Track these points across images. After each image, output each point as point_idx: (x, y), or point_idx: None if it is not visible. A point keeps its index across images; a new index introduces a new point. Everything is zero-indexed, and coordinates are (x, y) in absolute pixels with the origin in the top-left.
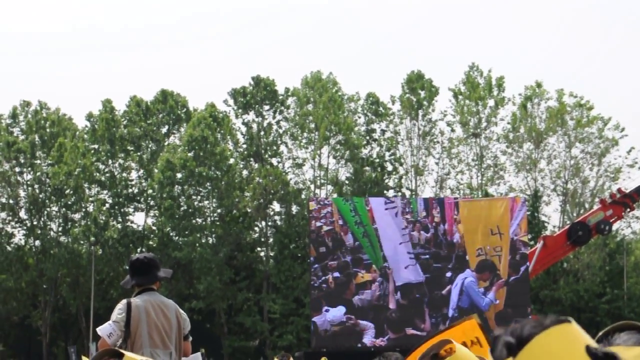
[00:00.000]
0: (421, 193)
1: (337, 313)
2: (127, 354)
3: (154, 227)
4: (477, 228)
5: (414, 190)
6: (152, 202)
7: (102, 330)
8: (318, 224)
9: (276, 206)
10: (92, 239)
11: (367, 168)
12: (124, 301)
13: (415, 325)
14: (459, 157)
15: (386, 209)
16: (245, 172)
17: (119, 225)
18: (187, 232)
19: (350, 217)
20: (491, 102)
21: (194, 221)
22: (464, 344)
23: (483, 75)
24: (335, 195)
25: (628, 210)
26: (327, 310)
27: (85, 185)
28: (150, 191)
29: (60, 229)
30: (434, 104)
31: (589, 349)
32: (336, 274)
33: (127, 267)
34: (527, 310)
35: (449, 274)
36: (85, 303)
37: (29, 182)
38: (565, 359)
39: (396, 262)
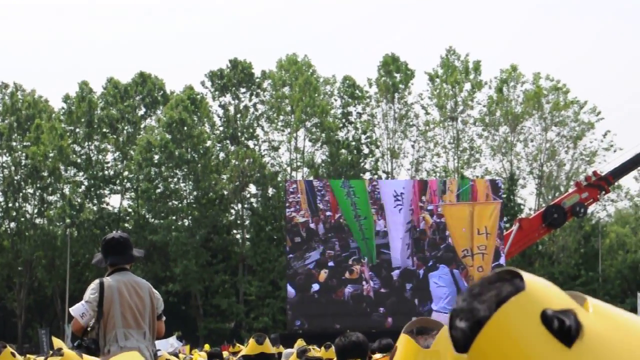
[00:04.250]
0: (397, 176)
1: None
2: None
3: (129, 210)
4: (465, 230)
5: (389, 173)
6: (128, 185)
7: (75, 310)
8: (292, 214)
9: (252, 189)
10: (68, 220)
11: (343, 151)
12: (97, 281)
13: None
14: (435, 140)
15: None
16: (221, 155)
17: (95, 208)
18: (163, 215)
19: (350, 209)
20: (467, 86)
21: (170, 203)
22: None
23: (460, 58)
24: (311, 178)
25: (603, 192)
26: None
27: (62, 167)
28: (126, 173)
29: (36, 210)
30: (410, 87)
31: (545, 315)
32: (331, 264)
33: (101, 246)
34: None
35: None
36: (61, 285)
37: (4, 164)
38: (523, 337)
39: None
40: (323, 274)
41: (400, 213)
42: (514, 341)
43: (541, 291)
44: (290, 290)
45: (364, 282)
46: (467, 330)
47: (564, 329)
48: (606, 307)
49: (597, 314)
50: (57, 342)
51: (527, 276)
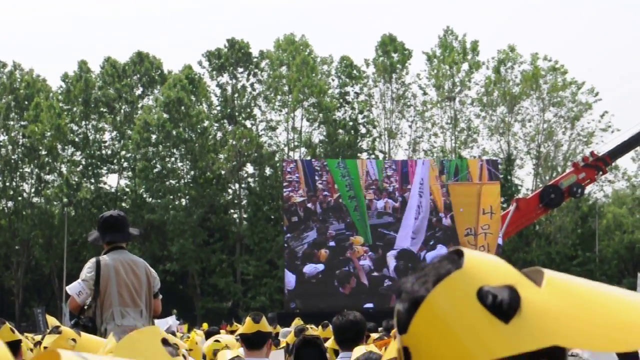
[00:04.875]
0: (394, 156)
1: (312, 269)
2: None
3: (127, 189)
4: (469, 209)
5: (387, 153)
6: (125, 164)
7: (72, 288)
8: (290, 194)
9: (250, 168)
10: (65, 200)
11: (340, 131)
12: (93, 259)
13: None
14: (432, 120)
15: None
16: (219, 135)
17: (92, 187)
18: (160, 194)
19: (345, 190)
20: (465, 66)
21: (167, 183)
22: None
23: (458, 39)
24: (309, 158)
25: (601, 173)
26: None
27: (59, 146)
28: (123, 152)
29: (33, 189)
30: (407, 67)
31: (480, 292)
32: (332, 243)
33: (98, 224)
34: None
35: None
36: (58, 264)
37: (2, 143)
38: (458, 315)
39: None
40: (324, 253)
41: (420, 193)
42: (449, 320)
43: (481, 269)
44: (288, 270)
45: (361, 262)
46: (404, 312)
47: (497, 304)
48: (566, 282)
49: (550, 289)
50: (52, 321)
51: (469, 254)
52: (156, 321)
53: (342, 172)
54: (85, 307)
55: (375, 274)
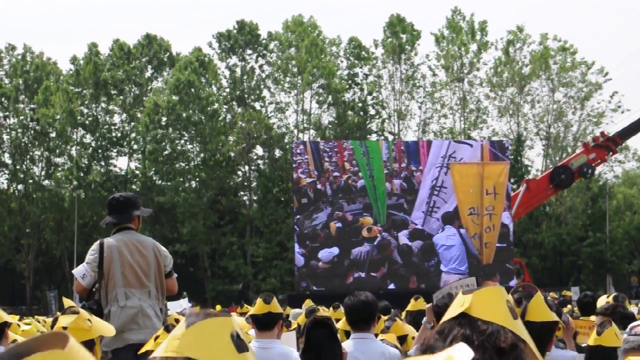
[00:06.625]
0: (404, 137)
1: (327, 255)
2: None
3: (137, 171)
4: (472, 190)
5: (396, 135)
6: (135, 146)
7: (77, 272)
8: (299, 175)
9: (259, 150)
10: (75, 182)
11: (349, 112)
12: (98, 242)
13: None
14: (442, 101)
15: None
16: (228, 117)
17: (102, 169)
18: (170, 176)
19: (365, 169)
20: (474, 47)
21: (177, 165)
22: None
23: (466, 19)
24: (318, 139)
25: (611, 153)
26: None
27: (69, 129)
28: (133, 135)
29: (43, 172)
30: (416, 47)
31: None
32: (339, 224)
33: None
34: (510, 253)
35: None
36: (69, 247)
37: (12, 126)
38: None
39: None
40: (333, 225)
41: (431, 174)
42: None
43: None
44: (298, 250)
45: (376, 242)
46: None
47: None
48: None
49: None
50: (67, 302)
51: None
52: (169, 303)
53: (362, 151)
54: (94, 290)
55: (376, 254)
